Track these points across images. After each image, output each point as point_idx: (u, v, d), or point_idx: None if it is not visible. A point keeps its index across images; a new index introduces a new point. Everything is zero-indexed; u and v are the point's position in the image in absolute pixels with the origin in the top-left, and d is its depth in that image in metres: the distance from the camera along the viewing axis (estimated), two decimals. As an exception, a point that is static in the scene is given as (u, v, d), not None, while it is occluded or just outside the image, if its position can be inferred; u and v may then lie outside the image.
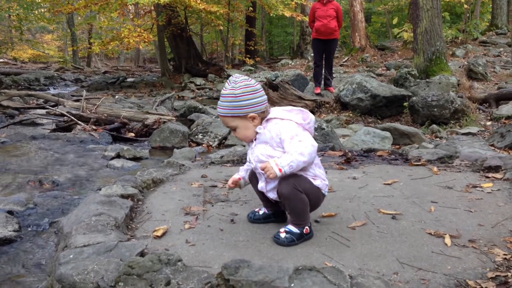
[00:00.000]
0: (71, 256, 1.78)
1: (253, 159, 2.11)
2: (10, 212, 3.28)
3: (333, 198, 2.61)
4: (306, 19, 16.55)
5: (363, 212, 2.38)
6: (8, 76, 17.51)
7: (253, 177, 2.23)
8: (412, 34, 11.34)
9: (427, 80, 8.56)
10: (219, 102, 2.09)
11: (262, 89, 2.09)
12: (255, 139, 2.11)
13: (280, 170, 1.92)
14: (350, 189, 2.81)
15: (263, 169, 1.96)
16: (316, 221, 2.24)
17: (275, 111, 2.09)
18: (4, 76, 17.52)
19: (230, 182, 2.29)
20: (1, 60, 27.61)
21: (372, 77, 10.20)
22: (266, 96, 2.09)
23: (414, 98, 7.22)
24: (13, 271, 2.50)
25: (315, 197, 2.07)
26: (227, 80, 2.07)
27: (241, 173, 2.31)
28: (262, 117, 2.07)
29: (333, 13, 8.89)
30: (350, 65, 15.24)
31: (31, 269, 2.54)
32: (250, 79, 2.09)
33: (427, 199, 2.57)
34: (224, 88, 2.07)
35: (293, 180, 1.99)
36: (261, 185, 2.14)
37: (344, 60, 16.18)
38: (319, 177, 2.08)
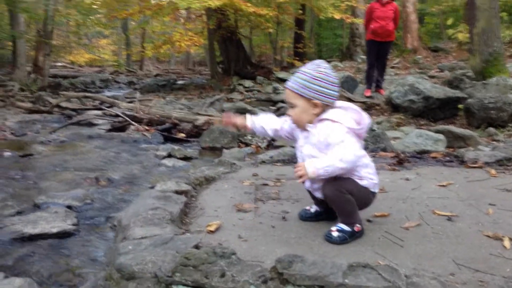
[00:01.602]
0: (130, 247, 1.85)
1: (303, 158, 2.11)
2: (69, 207, 3.44)
3: (385, 199, 2.57)
4: (356, 21, 16.33)
5: (416, 213, 2.33)
6: (66, 79, 18.34)
7: None
8: (467, 35, 10.97)
9: (484, 82, 8.25)
10: (293, 75, 2.05)
11: (339, 85, 2.04)
12: (304, 132, 2.10)
13: (314, 171, 1.91)
14: (402, 190, 2.76)
15: (296, 167, 1.96)
16: (369, 221, 2.22)
17: (330, 112, 2.01)
18: (62, 78, 18.37)
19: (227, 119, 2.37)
20: (60, 64, 28.86)
21: (425, 79, 9.93)
22: (338, 94, 2.03)
23: (469, 100, 6.97)
24: (71, 263, 2.59)
25: (363, 196, 2.04)
26: (311, 61, 2.04)
27: (252, 119, 2.34)
28: (324, 109, 2.02)
29: (391, 14, 8.64)
30: (402, 67, 14.89)
31: (88, 261, 2.63)
32: (334, 71, 2.03)
33: (484, 201, 2.49)
34: (305, 66, 2.04)
35: (336, 182, 1.98)
36: (307, 183, 2.15)
37: (395, 61, 15.83)
38: (365, 177, 2.04)
